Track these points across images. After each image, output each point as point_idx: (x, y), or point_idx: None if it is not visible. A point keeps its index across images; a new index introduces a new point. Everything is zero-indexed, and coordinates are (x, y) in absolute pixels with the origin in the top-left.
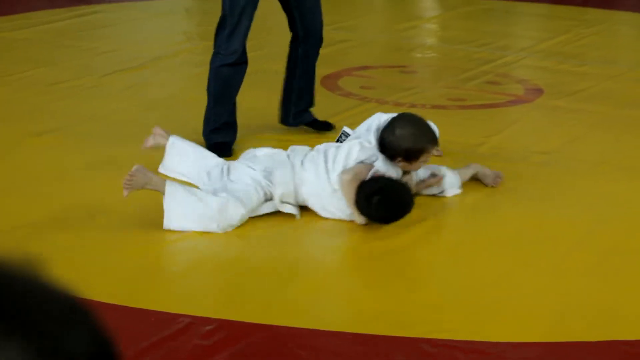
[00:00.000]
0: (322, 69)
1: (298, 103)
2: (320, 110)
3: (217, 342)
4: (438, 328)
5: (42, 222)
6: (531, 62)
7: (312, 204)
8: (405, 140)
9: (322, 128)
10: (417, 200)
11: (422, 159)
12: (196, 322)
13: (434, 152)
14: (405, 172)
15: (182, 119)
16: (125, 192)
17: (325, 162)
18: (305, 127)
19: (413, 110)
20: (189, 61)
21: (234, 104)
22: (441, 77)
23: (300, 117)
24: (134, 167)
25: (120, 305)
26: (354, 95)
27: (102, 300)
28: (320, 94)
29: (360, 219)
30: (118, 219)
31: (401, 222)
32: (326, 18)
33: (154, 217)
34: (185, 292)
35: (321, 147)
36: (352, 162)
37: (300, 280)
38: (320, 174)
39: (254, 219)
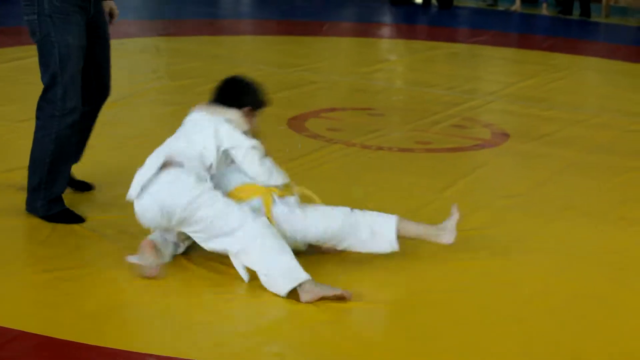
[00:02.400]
0: (289, 111)
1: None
2: (286, 151)
3: None
4: None
5: (14, 259)
6: (498, 106)
7: None
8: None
9: (82, 188)
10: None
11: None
12: None
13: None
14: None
15: None
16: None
17: None
18: None
19: (380, 153)
20: (158, 100)
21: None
22: (408, 120)
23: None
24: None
25: (91, 345)
26: (321, 137)
27: (73, 340)
28: (287, 136)
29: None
30: (89, 257)
31: (369, 263)
32: (292, 60)
33: (126, 253)
34: (157, 333)
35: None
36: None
37: (269, 329)
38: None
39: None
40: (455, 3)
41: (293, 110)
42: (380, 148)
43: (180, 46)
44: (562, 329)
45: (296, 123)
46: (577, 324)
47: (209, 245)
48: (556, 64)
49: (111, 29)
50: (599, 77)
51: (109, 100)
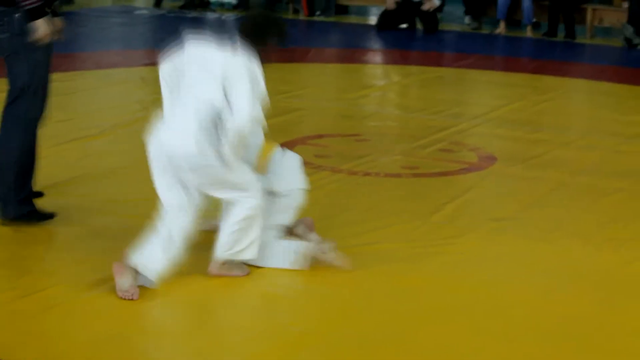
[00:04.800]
0: (276, 138)
1: None
2: None
3: None
4: None
5: (3, 289)
6: (484, 129)
7: None
8: None
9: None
10: (366, 266)
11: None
12: None
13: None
14: None
15: (139, 189)
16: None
17: None
18: None
19: (368, 179)
20: (144, 130)
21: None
22: (395, 145)
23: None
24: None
25: None
26: (309, 164)
27: None
28: None
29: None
30: (82, 286)
31: (361, 287)
32: (278, 87)
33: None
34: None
35: None
36: None
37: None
38: None
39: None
40: (440, 27)
41: (280, 137)
42: (367, 174)
43: None
44: (552, 350)
45: None
46: (567, 345)
47: None
48: (542, 86)
49: (98, 60)
50: (585, 98)
51: (95, 131)
